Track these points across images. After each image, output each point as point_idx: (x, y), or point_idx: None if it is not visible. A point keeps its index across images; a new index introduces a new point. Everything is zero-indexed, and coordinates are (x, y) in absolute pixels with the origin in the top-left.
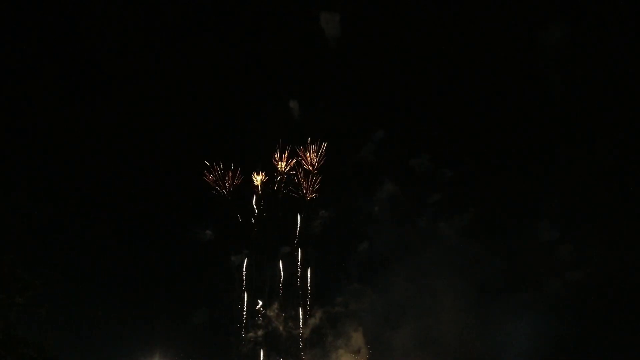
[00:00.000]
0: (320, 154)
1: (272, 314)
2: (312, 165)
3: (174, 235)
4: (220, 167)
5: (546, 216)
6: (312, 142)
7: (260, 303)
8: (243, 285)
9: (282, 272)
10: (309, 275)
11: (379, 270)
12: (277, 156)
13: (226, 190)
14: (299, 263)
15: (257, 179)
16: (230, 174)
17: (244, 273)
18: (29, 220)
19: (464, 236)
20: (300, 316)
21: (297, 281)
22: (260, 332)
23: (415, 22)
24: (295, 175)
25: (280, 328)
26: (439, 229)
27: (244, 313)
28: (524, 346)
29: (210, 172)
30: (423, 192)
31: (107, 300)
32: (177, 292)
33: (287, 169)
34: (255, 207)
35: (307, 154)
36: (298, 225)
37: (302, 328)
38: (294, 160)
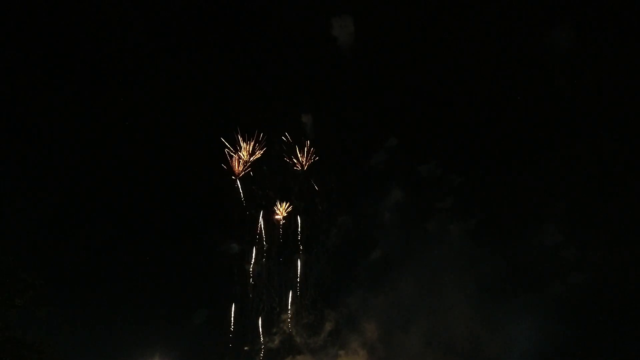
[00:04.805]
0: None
1: (285, 317)
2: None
3: (183, 239)
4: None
5: (550, 220)
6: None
7: (278, 309)
8: (252, 287)
9: (296, 278)
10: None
11: (389, 274)
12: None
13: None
14: (311, 268)
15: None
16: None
17: (251, 277)
18: (33, 221)
19: (471, 240)
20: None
21: (309, 286)
22: (276, 340)
23: (423, 29)
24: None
25: (294, 333)
26: (447, 233)
27: (259, 320)
28: (527, 348)
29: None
30: (432, 197)
31: (107, 301)
32: (180, 294)
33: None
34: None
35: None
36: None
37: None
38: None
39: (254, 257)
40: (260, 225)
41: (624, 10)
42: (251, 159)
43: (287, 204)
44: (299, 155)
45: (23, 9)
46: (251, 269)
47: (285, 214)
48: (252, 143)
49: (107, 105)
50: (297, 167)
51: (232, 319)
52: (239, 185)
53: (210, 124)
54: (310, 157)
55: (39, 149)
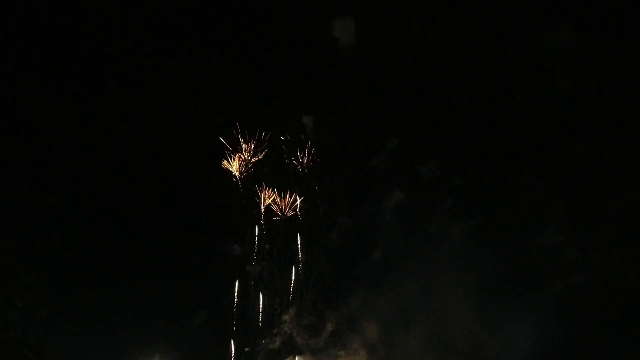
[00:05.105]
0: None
1: (286, 318)
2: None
3: (183, 239)
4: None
5: (550, 220)
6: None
7: (279, 310)
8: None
9: (295, 279)
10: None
11: (389, 274)
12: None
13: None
14: (312, 269)
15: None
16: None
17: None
18: (33, 221)
19: (471, 240)
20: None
21: (309, 286)
22: (277, 340)
23: (423, 29)
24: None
25: (295, 334)
26: (447, 233)
27: (260, 322)
28: (527, 348)
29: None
30: (432, 198)
31: (107, 301)
32: (180, 294)
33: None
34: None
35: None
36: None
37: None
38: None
39: (254, 257)
40: (261, 225)
41: (624, 10)
42: (252, 159)
43: (288, 205)
44: (299, 156)
45: (23, 9)
46: (252, 269)
47: (286, 215)
48: (253, 144)
49: (107, 105)
50: (298, 168)
51: (233, 319)
52: (240, 185)
53: (210, 124)
54: (311, 157)
55: (39, 149)
